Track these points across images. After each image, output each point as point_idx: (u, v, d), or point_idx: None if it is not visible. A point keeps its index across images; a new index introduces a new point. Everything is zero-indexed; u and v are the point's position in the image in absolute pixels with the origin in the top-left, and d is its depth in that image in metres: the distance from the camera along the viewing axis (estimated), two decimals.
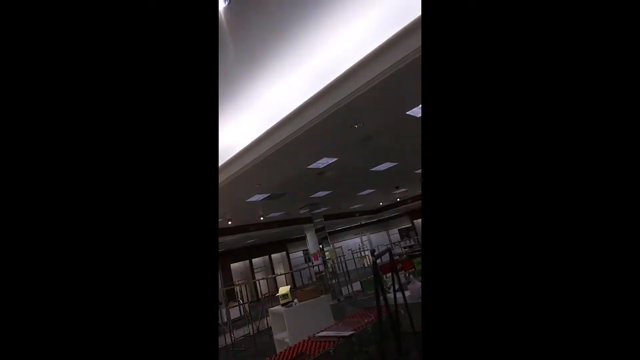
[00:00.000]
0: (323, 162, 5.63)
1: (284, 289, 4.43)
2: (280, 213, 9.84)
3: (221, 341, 6.87)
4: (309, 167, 5.64)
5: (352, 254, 16.78)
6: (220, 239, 10.70)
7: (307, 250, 20.12)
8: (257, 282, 14.89)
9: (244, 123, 4.34)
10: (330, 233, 20.89)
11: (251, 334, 6.89)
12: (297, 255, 19.21)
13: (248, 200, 7.07)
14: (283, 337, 4.00)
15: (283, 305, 4.17)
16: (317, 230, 9.31)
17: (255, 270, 16.51)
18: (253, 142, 4.38)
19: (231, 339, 6.12)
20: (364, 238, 21.09)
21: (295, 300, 4.21)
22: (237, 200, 6.50)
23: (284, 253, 18.21)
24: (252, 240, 14.09)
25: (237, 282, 14.33)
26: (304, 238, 19.29)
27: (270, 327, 6.77)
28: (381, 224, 21.53)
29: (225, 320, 8.28)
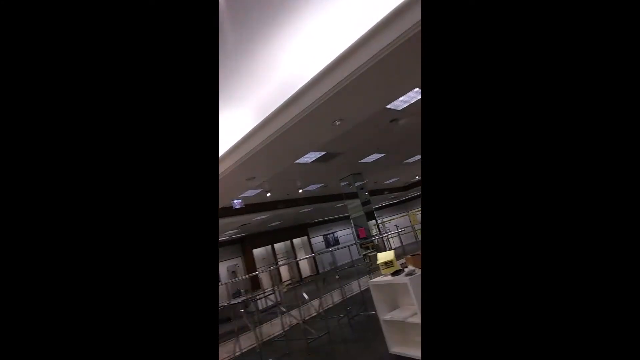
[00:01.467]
0: (408, 99, 4.47)
1: (386, 255, 3.32)
2: (318, 186, 8.72)
3: (275, 328, 5.80)
4: (388, 106, 4.48)
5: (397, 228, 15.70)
6: (246, 218, 9.62)
7: (330, 233, 19.09)
8: (278, 268, 13.90)
9: (320, 40, 3.15)
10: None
11: (305, 319, 5.83)
12: (317, 240, 18.16)
13: (297, 161, 5.93)
14: (405, 317, 2.87)
15: (393, 274, 3.07)
16: (363, 204, 8.20)
17: (277, 256, 15.41)
18: (332, 63, 3.20)
19: (301, 320, 4.98)
20: (389, 223, 20.01)
21: (413, 268, 3.06)
22: (286, 160, 5.33)
23: (305, 238, 17.12)
24: (277, 223, 12.97)
25: (260, 269, 13.30)
26: (326, 222, 18.30)
27: (337, 309, 5.74)
28: (402, 205, 20.47)
29: (260, 307, 7.28)
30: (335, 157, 6.25)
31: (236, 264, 13.90)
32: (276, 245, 15.40)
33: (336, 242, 19.36)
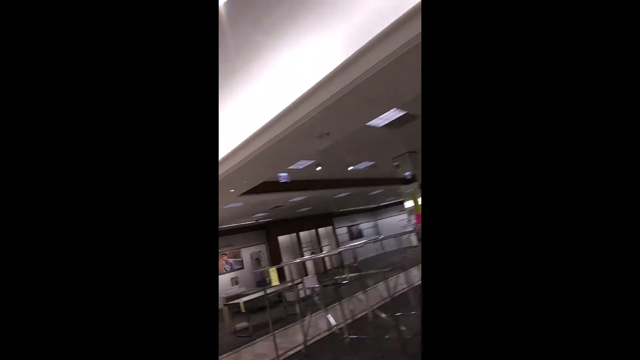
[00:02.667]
0: None
1: None
2: (368, 164, 7.73)
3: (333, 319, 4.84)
4: None
5: None
6: (283, 198, 8.71)
7: (354, 225, 18.14)
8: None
9: None
10: (383, 206, 18.89)
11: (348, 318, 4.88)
12: (341, 231, 17.20)
13: (369, 123, 4.94)
14: None
15: None
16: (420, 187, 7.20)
17: (302, 245, 14.47)
18: None
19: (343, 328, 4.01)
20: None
21: None
22: (364, 116, 4.29)
23: (330, 228, 16.16)
24: (305, 209, 12.04)
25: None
26: (350, 212, 17.36)
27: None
28: None
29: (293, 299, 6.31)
30: (412, 121, 5.24)
31: (260, 251, 13.02)
32: (301, 234, 14.48)
33: (359, 234, 18.42)
